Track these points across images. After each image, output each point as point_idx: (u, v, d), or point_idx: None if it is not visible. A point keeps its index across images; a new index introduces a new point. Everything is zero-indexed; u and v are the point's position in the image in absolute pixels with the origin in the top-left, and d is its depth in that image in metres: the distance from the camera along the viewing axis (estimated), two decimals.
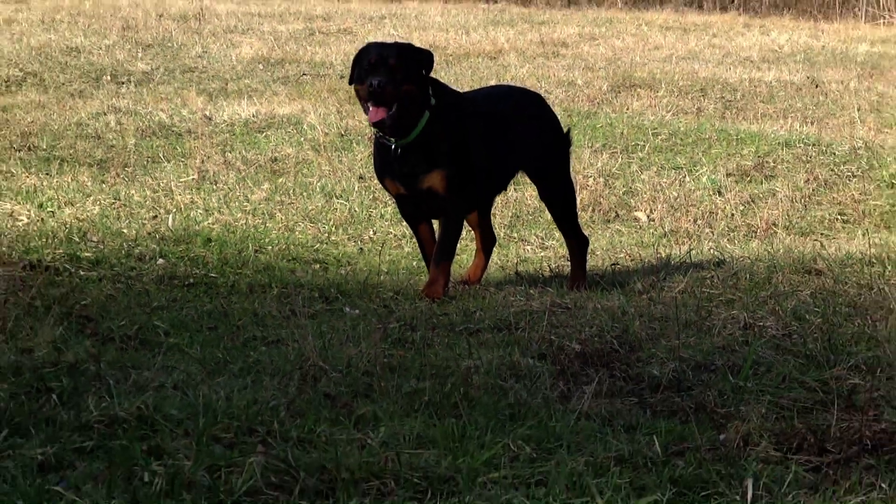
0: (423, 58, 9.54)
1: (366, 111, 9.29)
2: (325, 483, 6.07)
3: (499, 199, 12.34)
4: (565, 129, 11.03)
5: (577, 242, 10.35)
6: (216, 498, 5.87)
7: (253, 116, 16.19)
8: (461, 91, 10.37)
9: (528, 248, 10.94)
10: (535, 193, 12.64)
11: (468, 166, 9.59)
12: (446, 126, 9.37)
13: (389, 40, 10.34)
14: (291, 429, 6.67)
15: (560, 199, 10.48)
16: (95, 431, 6.58)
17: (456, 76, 19.85)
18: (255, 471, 6.09)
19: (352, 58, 9.69)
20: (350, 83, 9.83)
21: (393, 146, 9.27)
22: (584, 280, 10.26)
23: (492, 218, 10.45)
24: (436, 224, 10.01)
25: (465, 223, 10.17)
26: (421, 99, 9.32)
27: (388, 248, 10.74)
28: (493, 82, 18.85)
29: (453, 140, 9.42)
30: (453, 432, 6.73)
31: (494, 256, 10.59)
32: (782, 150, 14.80)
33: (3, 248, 9.72)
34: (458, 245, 10.25)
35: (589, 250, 10.86)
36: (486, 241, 10.48)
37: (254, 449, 6.39)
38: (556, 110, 16.91)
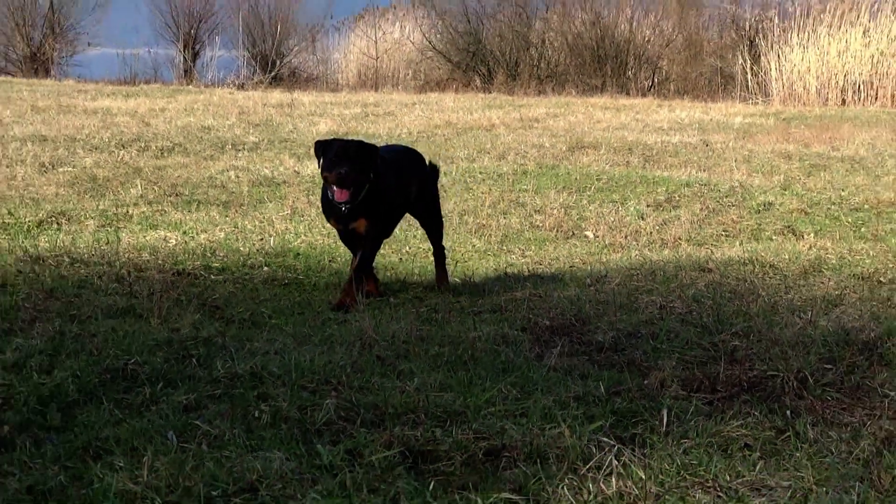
0: (370, 152, 9.09)
1: (331, 191, 8.90)
2: (378, 416, 6.06)
3: (493, 224, 12.32)
4: (430, 167, 10.30)
5: (440, 252, 9.99)
6: (304, 427, 5.86)
7: None
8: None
9: (513, 256, 10.85)
10: (518, 220, 12.61)
11: (381, 215, 9.29)
12: (376, 194, 9.06)
13: (351, 138, 9.77)
14: (354, 380, 6.65)
15: (436, 227, 10.10)
16: (222, 384, 6.57)
17: (463, 143, 19.82)
18: (329, 409, 6.09)
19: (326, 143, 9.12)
20: (321, 170, 9.07)
21: (343, 208, 8.91)
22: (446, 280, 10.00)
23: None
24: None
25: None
26: (366, 181, 8.97)
27: (419, 258, 10.68)
28: (483, 150, 18.96)
29: (378, 202, 9.12)
30: (464, 381, 6.71)
31: (492, 260, 10.54)
32: (684, 188, 14.75)
33: (160, 261, 9.70)
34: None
35: (553, 257, 10.84)
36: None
37: (329, 394, 6.37)
38: (531, 168, 16.91)
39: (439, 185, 10.34)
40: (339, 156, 8.81)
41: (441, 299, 9.05)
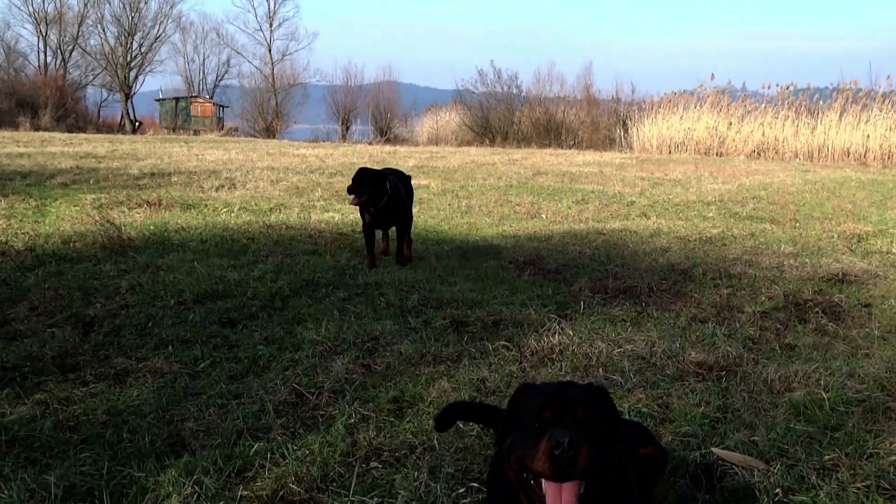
0: (382, 178, 7.64)
1: (354, 201, 7.49)
2: (438, 303, 6.00)
3: (495, 210, 12.19)
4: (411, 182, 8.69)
5: (409, 244, 8.20)
6: (401, 309, 5.83)
7: (414, 186, 16.05)
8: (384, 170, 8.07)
9: (505, 227, 10.63)
10: (508, 209, 12.48)
11: (404, 214, 7.96)
12: (392, 202, 7.66)
13: (373, 167, 8.05)
14: (426, 286, 6.58)
15: (409, 221, 8.12)
16: (361, 287, 6.52)
17: (480, 172, 19.53)
18: (414, 300, 6.05)
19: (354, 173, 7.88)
20: (349, 192, 7.59)
21: (372, 208, 7.51)
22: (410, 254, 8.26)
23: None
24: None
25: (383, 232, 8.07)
26: (384, 195, 7.57)
27: (458, 228, 10.52)
28: (490, 174, 18.87)
29: (396, 208, 7.75)
30: (482, 287, 6.63)
31: (495, 229, 10.39)
32: (590, 194, 14.53)
33: (330, 227, 9.66)
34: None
35: (525, 228, 10.67)
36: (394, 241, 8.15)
37: (413, 293, 6.31)
38: (514, 183, 16.76)
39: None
40: (360, 180, 7.57)
41: (470, 248, 8.92)
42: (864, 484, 3.21)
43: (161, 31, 60.41)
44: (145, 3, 59.02)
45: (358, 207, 7.91)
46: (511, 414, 2.44)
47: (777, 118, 31.04)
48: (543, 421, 2.29)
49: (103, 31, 58.44)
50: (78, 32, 58.34)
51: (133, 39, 58.75)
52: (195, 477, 3.04)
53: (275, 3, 71.38)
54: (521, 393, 2.48)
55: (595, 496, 2.28)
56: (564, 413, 2.29)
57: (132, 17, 58.50)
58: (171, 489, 2.95)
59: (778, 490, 3.09)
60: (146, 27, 59.55)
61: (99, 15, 58.17)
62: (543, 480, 2.25)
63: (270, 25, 61.49)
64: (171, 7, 61.91)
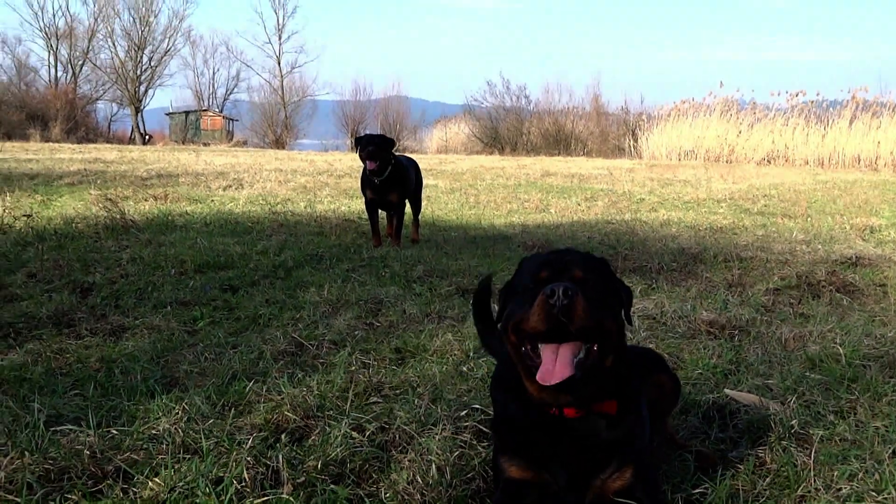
0: (389, 142, 7.71)
1: (365, 164, 7.59)
2: (445, 274, 5.93)
3: (504, 206, 12.05)
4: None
5: (416, 219, 8.41)
6: (407, 278, 5.74)
7: (423, 186, 16.02)
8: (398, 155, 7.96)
9: (513, 219, 10.55)
10: (516, 205, 12.36)
11: (411, 193, 8.15)
12: (395, 172, 7.70)
13: (375, 132, 8.23)
14: (433, 260, 6.50)
15: (419, 206, 8.50)
16: (366, 260, 6.43)
17: (489, 175, 19.44)
18: (420, 270, 5.94)
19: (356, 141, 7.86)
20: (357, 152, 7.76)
21: (376, 180, 7.62)
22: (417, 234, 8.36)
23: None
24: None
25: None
26: (388, 161, 7.62)
27: (466, 218, 10.43)
28: (499, 176, 18.73)
29: (399, 179, 7.74)
30: (488, 263, 6.55)
31: (503, 219, 10.25)
32: (600, 192, 14.46)
33: (336, 215, 9.57)
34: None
35: (534, 220, 10.54)
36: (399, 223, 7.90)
37: (419, 265, 6.20)
38: (523, 182, 16.64)
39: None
40: (368, 142, 7.61)
41: (478, 234, 8.80)
42: (883, 423, 3.08)
43: (171, 44, 60.98)
44: (155, 16, 59.60)
45: (360, 185, 7.89)
46: (510, 284, 2.33)
47: (787, 126, 30.90)
48: (540, 281, 2.18)
49: (113, 45, 59.04)
50: (88, 47, 58.87)
51: (143, 53, 59.21)
52: (186, 400, 2.92)
53: (283, 16, 71.58)
54: (520, 263, 2.38)
55: (594, 364, 2.15)
56: (562, 274, 2.19)
57: (142, 31, 58.97)
58: (160, 414, 2.84)
59: (794, 422, 2.96)
60: (156, 41, 60.09)
61: (109, 29, 58.71)
62: (541, 346, 2.12)
63: (279, 38, 62.03)
64: (181, 21, 62.41)
